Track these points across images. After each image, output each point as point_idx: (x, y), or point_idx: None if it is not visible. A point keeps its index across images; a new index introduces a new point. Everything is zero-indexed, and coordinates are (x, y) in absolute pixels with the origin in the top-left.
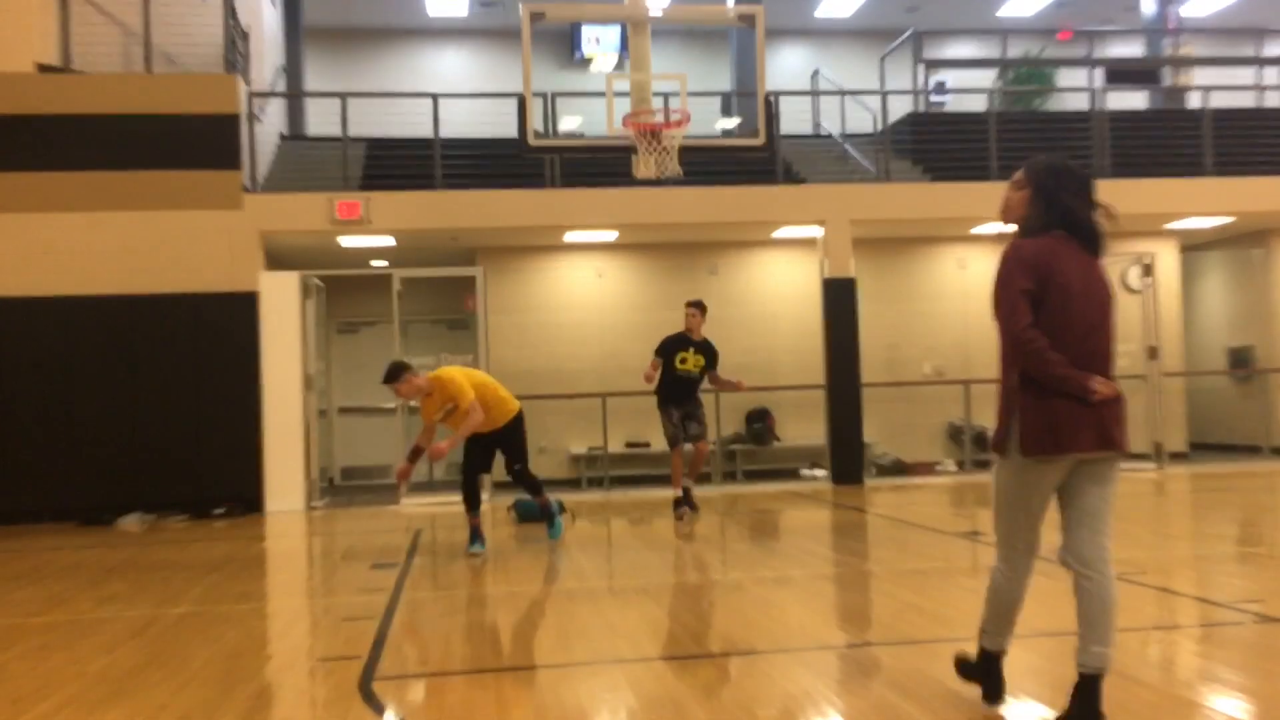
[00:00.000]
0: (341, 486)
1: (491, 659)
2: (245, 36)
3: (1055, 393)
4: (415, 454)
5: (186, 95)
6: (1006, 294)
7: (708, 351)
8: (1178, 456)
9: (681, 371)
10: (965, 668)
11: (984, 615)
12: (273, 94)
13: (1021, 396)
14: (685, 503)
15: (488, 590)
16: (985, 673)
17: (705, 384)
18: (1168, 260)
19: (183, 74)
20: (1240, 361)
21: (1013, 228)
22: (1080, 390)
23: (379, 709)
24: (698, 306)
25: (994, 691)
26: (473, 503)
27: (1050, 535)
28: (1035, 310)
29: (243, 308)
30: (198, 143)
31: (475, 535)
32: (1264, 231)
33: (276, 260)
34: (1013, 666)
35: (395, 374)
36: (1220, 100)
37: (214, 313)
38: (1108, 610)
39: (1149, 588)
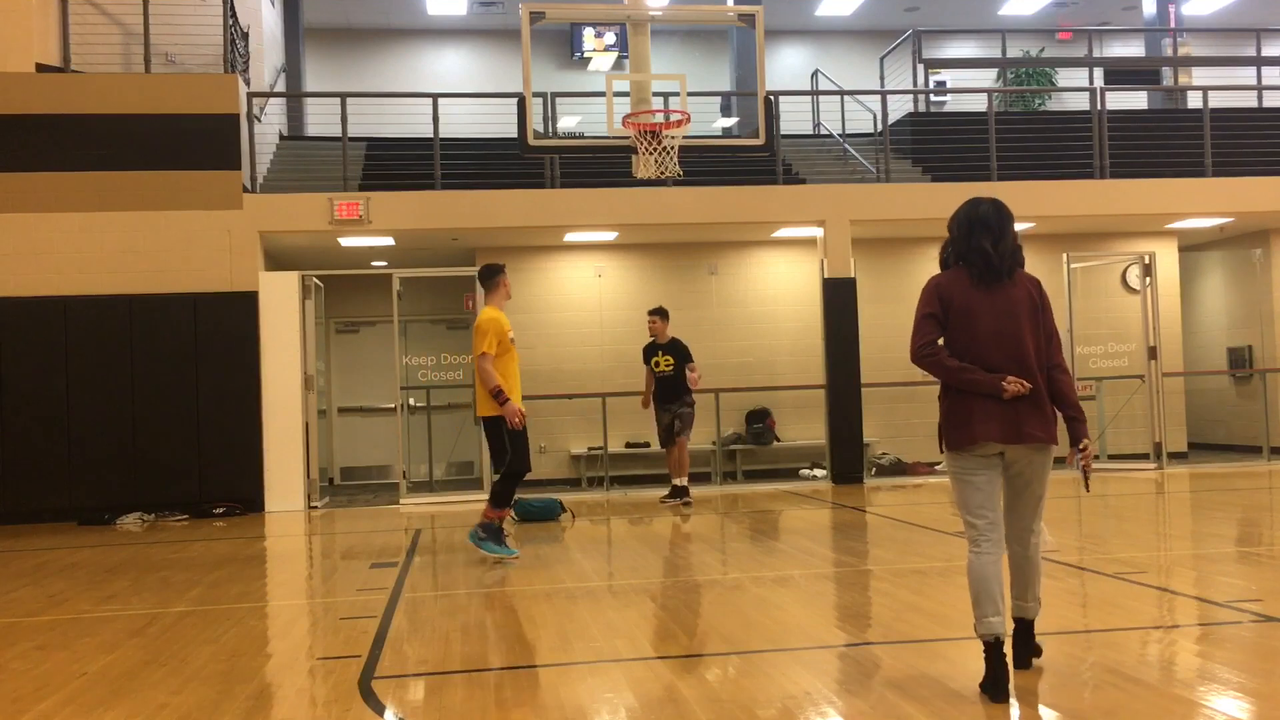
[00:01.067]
0: (341, 486)
1: (492, 659)
2: (245, 36)
3: (969, 393)
4: (500, 394)
5: (186, 95)
6: (916, 318)
7: (676, 351)
8: (1177, 456)
9: (659, 374)
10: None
11: (971, 602)
12: (273, 94)
13: (943, 399)
14: (677, 494)
15: (488, 590)
16: (989, 666)
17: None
18: (1167, 260)
19: (183, 74)
20: (1239, 361)
21: None
22: (991, 389)
23: (379, 708)
24: (658, 314)
25: (997, 686)
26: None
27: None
28: (944, 329)
29: (243, 308)
30: (198, 143)
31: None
32: (1263, 231)
33: (276, 260)
34: (1012, 668)
35: (495, 271)
36: (1220, 100)
37: (214, 313)
38: (1025, 573)
39: (1149, 587)
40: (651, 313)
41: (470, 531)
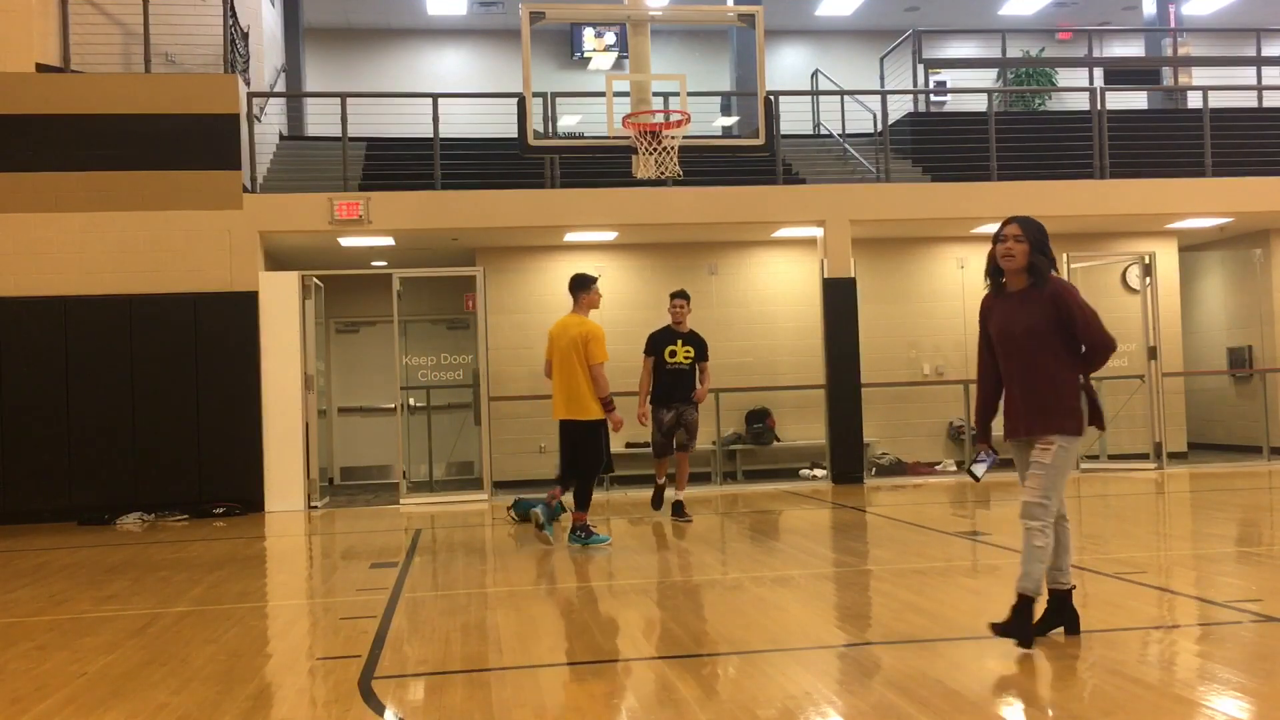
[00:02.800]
0: (341, 486)
1: (491, 659)
2: (245, 36)
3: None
4: (611, 401)
5: (186, 95)
6: (1092, 313)
7: (696, 342)
8: (1177, 456)
9: (672, 365)
10: (1003, 627)
11: (1032, 575)
12: (273, 94)
13: (1086, 391)
14: (669, 504)
15: (488, 590)
16: (1024, 617)
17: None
18: (1167, 260)
19: (183, 74)
20: (1239, 361)
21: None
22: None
23: (379, 708)
24: (682, 297)
25: (1024, 633)
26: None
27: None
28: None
29: (243, 308)
30: (198, 143)
31: (585, 529)
32: (1263, 231)
33: (276, 260)
34: (1012, 668)
35: (591, 281)
36: (1220, 100)
37: (214, 313)
38: (1067, 542)
39: (1149, 587)
40: (677, 295)
41: (570, 538)
